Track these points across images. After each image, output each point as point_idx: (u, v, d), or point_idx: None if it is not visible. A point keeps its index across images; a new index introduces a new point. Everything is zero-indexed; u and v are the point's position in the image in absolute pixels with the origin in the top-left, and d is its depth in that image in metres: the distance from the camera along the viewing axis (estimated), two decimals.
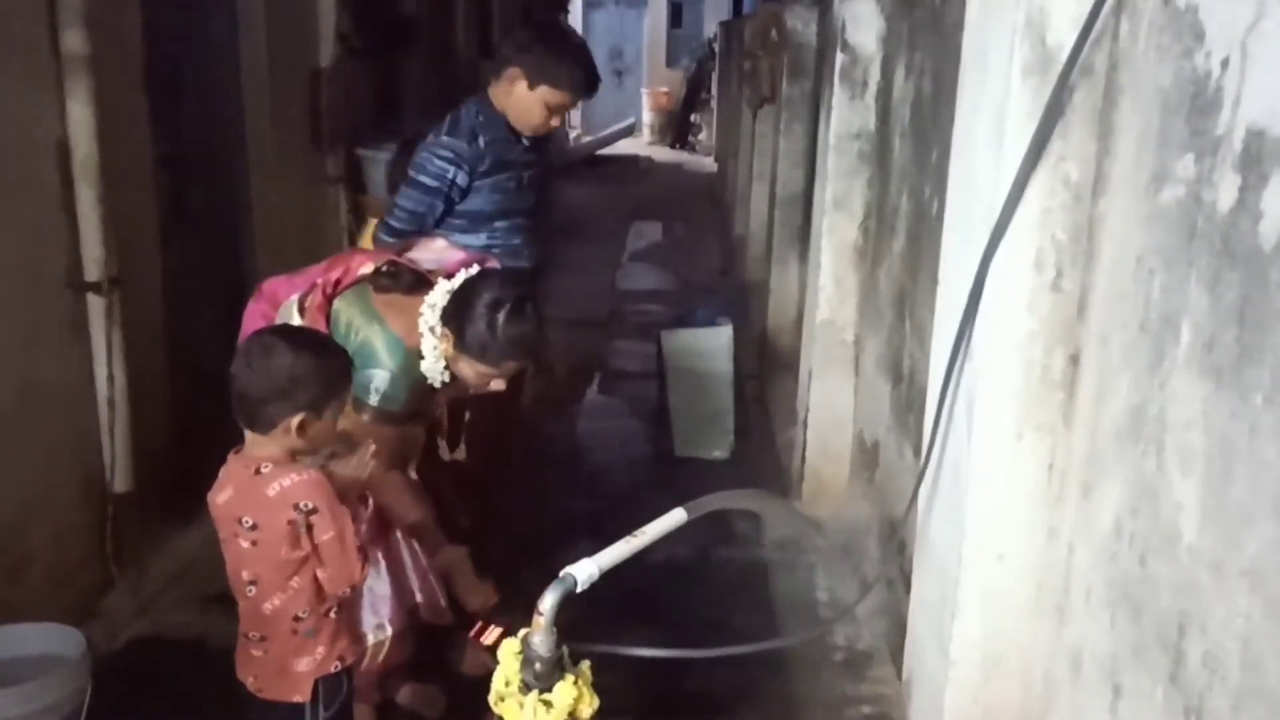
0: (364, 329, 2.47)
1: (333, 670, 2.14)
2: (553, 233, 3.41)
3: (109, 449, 3.15)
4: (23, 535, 2.85)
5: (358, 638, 2.25)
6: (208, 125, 4.08)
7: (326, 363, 2.07)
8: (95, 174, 2.96)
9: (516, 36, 3.20)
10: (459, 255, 2.66)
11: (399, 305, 2.50)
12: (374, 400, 2.44)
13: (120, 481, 3.15)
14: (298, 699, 2.12)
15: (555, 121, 3.03)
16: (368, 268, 2.56)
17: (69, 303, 3.01)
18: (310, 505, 2.00)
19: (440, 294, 2.46)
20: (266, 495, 1.98)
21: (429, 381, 2.49)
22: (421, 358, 2.46)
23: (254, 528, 1.99)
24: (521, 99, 2.98)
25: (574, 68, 2.98)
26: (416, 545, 2.75)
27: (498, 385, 2.48)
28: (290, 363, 2.03)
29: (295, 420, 2.00)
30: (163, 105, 3.54)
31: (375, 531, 2.66)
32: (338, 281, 2.53)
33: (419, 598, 2.76)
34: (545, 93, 2.96)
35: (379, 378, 2.44)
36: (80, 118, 2.92)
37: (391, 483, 2.49)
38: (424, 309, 2.46)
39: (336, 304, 2.51)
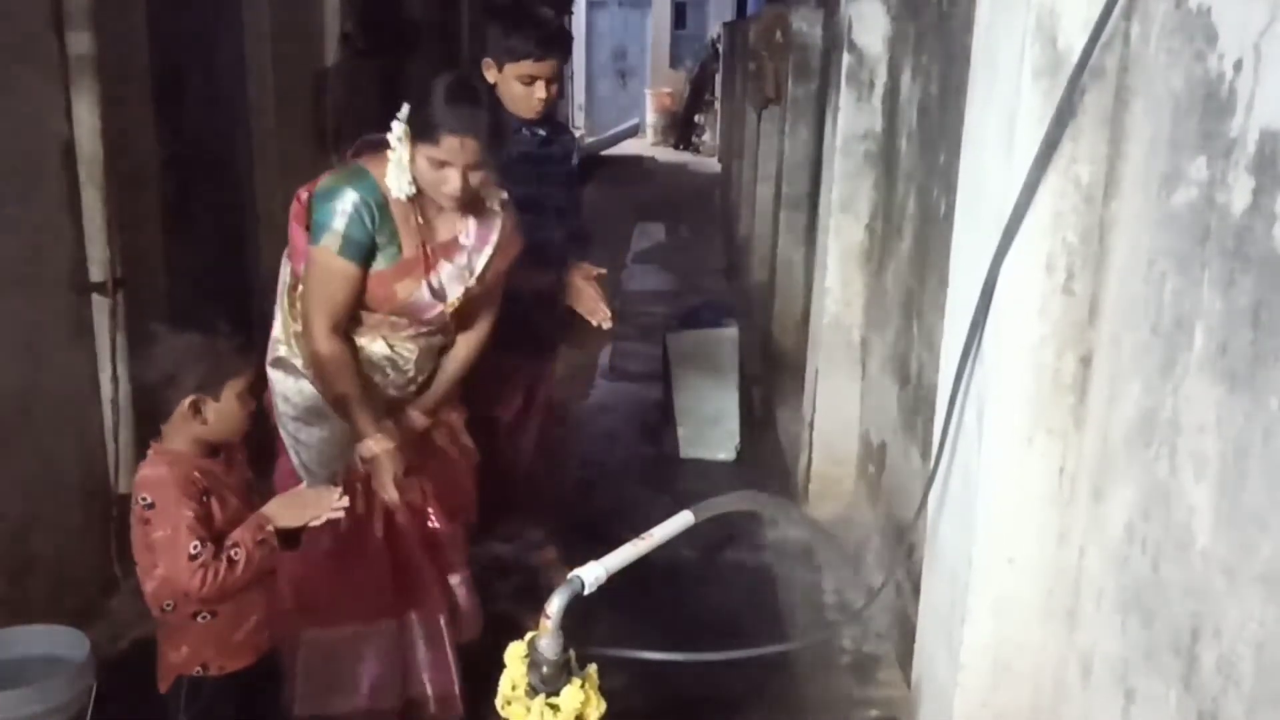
0: (325, 182, 2.38)
1: (195, 673, 2.10)
2: (586, 233, 3.30)
3: (113, 450, 3.15)
4: (27, 537, 2.85)
5: (236, 650, 2.15)
6: (213, 126, 4.08)
7: (212, 341, 2.06)
8: (100, 175, 2.97)
9: (488, 27, 3.16)
10: None
11: (366, 157, 2.42)
12: (339, 224, 2.31)
13: (124, 482, 3.15)
14: (161, 688, 2.12)
15: (540, 94, 2.90)
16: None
17: (73, 304, 3.01)
18: (148, 499, 1.99)
19: (405, 109, 2.37)
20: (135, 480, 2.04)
21: (394, 195, 2.35)
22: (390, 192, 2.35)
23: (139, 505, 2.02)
24: (500, 85, 2.92)
25: (525, 33, 2.86)
26: (444, 625, 2.65)
27: (451, 186, 2.31)
28: (173, 346, 2.04)
29: (186, 403, 2.00)
30: (168, 106, 3.54)
31: (387, 606, 2.56)
32: (310, 191, 2.43)
33: (428, 689, 2.64)
34: (511, 69, 2.88)
35: (342, 201, 2.32)
36: (86, 119, 2.93)
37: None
38: (392, 123, 2.35)
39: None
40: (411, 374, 2.57)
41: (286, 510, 2.10)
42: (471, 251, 2.50)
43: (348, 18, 5.04)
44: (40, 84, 2.84)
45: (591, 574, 1.68)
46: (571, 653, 1.67)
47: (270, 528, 2.05)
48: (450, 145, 2.28)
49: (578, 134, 17.10)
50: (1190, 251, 1.48)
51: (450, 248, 2.48)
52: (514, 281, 2.96)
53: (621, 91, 21.30)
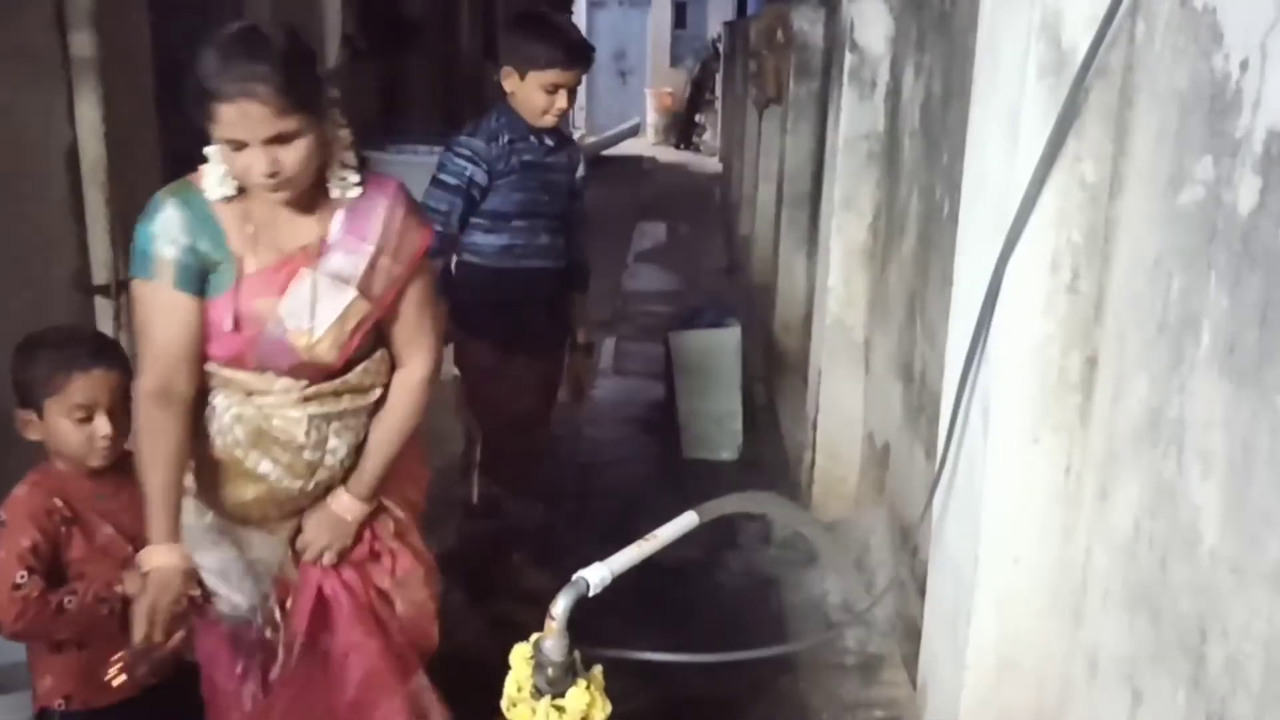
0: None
1: (55, 705, 1.97)
2: (582, 240, 3.34)
3: None
4: None
5: (104, 687, 1.98)
6: None
7: (30, 354, 1.92)
8: (103, 176, 2.97)
9: (502, 37, 3.29)
10: None
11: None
12: (153, 247, 1.82)
13: None
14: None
15: (561, 103, 2.98)
16: None
17: (76, 306, 3.00)
18: (2, 517, 1.88)
19: None
20: None
21: (210, 196, 1.84)
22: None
23: None
24: (519, 92, 2.99)
25: (552, 43, 2.95)
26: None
27: (256, 169, 1.76)
28: (16, 352, 1.94)
29: (19, 415, 1.92)
30: (170, 107, 3.54)
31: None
32: None
33: None
34: (536, 77, 2.95)
35: (154, 219, 1.83)
36: (89, 120, 2.93)
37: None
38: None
39: None
40: (308, 455, 1.94)
41: (137, 595, 1.86)
42: (346, 253, 1.89)
43: (349, 19, 5.05)
44: (43, 86, 2.84)
45: (596, 575, 1.68)
46: (577, 654, 1.67)
47: (119, 589, 1.89)
48: (228, 116, 1.71)
49: (577, 134, 17.17)
50: (1196, 250, 1.48)
51: (311, 252, 1.88)
52: (514, 291, 3.02)
53: (622, 91, 21.30)
